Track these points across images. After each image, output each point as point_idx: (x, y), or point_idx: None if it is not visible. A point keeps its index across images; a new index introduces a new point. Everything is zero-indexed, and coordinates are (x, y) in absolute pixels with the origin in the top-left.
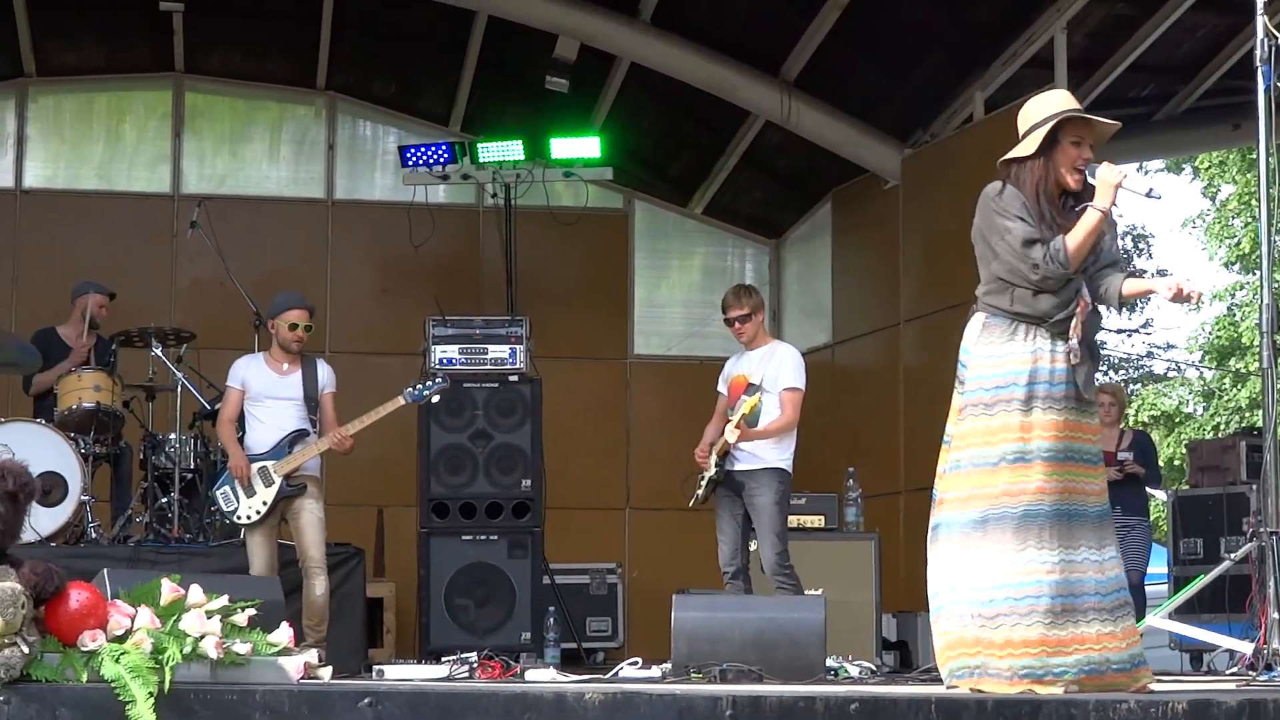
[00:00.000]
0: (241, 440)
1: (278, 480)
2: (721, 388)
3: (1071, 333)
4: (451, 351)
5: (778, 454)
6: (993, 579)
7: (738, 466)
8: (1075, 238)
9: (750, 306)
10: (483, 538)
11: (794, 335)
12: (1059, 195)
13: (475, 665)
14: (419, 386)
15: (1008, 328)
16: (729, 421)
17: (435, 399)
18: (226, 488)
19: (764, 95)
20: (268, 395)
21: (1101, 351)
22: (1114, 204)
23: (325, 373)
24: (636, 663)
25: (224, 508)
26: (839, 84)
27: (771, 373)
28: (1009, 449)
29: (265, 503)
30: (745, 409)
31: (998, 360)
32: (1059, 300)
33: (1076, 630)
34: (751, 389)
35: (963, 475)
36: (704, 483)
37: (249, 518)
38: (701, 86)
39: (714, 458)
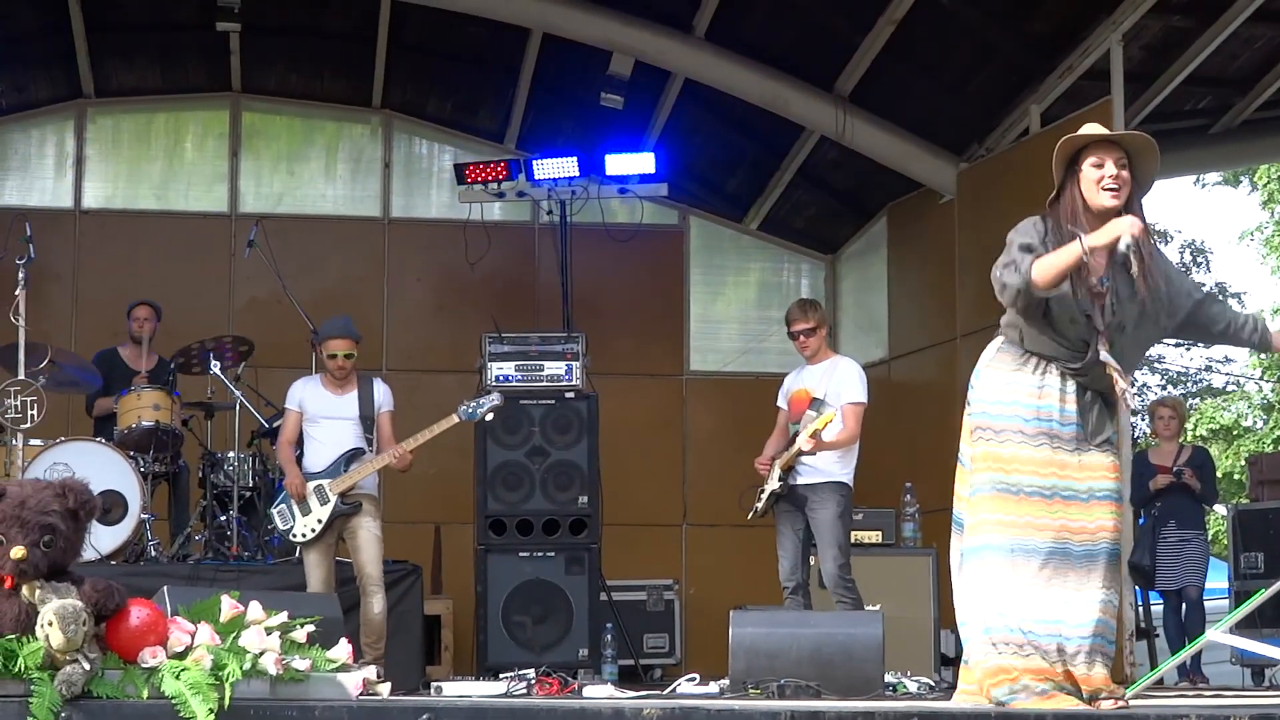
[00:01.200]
0: (301, 460)
1: (333, 498)
2: (781, 403)
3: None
4: (508, 368)
5: (840, 467)
6: (1020, 609)
7: (800, 480)
8: (1047, 257)
9: (816, 320)
10: (540, 554)
11: (850, 350)
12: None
13: (533, 682)
14: (473, 404)
15: (1022, 359)
16: (791, 436)
17: (490, 416)
18: (283, 506)
19: (818, 110)
20: (324, 416)
21: (1138, 377)
22: (1103, 248)
23: (382, 392)
24: (694, 679)
25: (280, 526)
26: (893, 99)
27: (835, 387)
28: (1027, 481)
29: (320, 520)
30: (820, 423)
31: (1008, 388)
32: (1064, 345)
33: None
34: (816, 403)
35: (987, 499)
36: (764, 496)
37: (304, 535)
38: (756, 102)
39: (777, 471)
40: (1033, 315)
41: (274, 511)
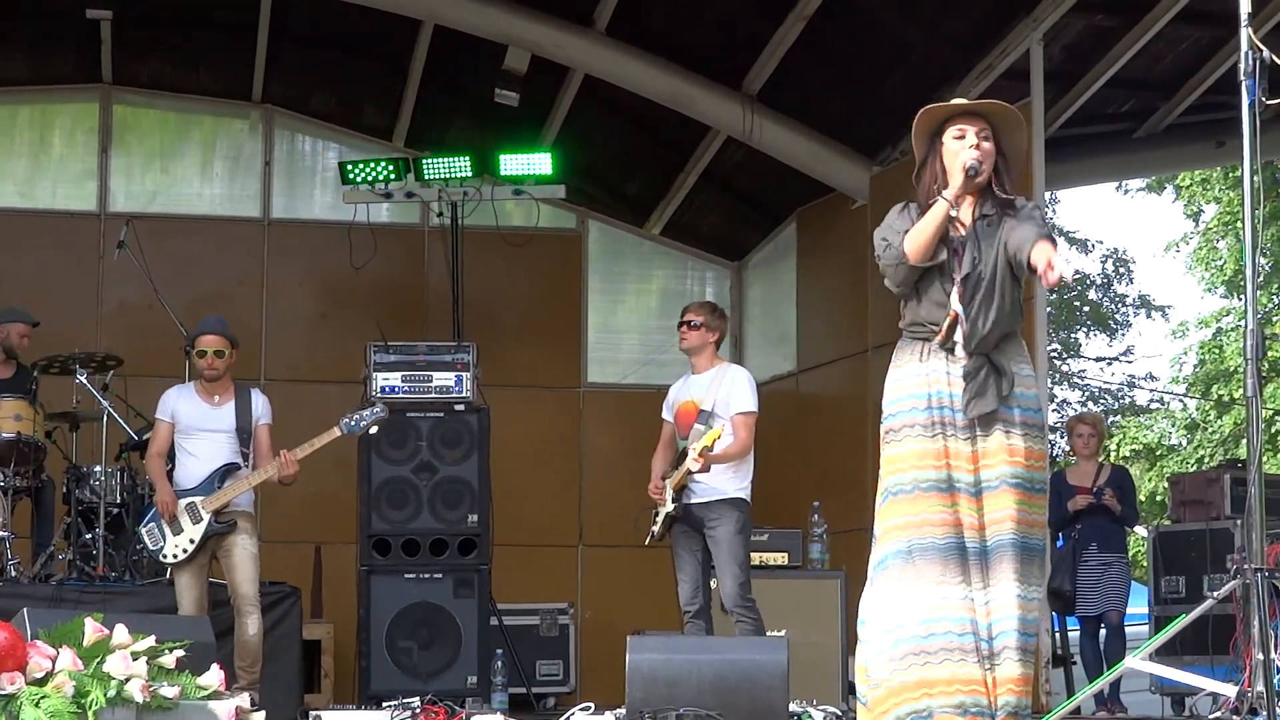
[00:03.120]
0: (170, 474)
1: (206, 517)
2: (667, 415)
3: (941, 338)
4: (394, 379)
5: (736, 483)
6: (928, 613)
7: (695, 499)
8: (914, 227)
9: (704, 317)
10: (426, 576)
11: (757, 362)
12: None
13: (418, 711)
14: (356, 416)
15: (911, 349)
16: (680, 452)
17: (374, 430)
18: (153, 525)
19: (725, 109)
20: (198, 428)
21: (1016, 374)
22: (962, 189)
23: (260, 403)
24: (589, 708)
25: (150, 545)
26: (804, 98)
27: (723, 396)
28: (922, 476)
29: (193, 540)
30: (707, 439)
31: (899, 384)
32: (924, 305)
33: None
34: (704, 415)
35: (888, 506)
36: (659, 519)
37: (175, 556)
38: (659, 100)
39: (670, 492)
40: (910, 296)
41: (143, 530)
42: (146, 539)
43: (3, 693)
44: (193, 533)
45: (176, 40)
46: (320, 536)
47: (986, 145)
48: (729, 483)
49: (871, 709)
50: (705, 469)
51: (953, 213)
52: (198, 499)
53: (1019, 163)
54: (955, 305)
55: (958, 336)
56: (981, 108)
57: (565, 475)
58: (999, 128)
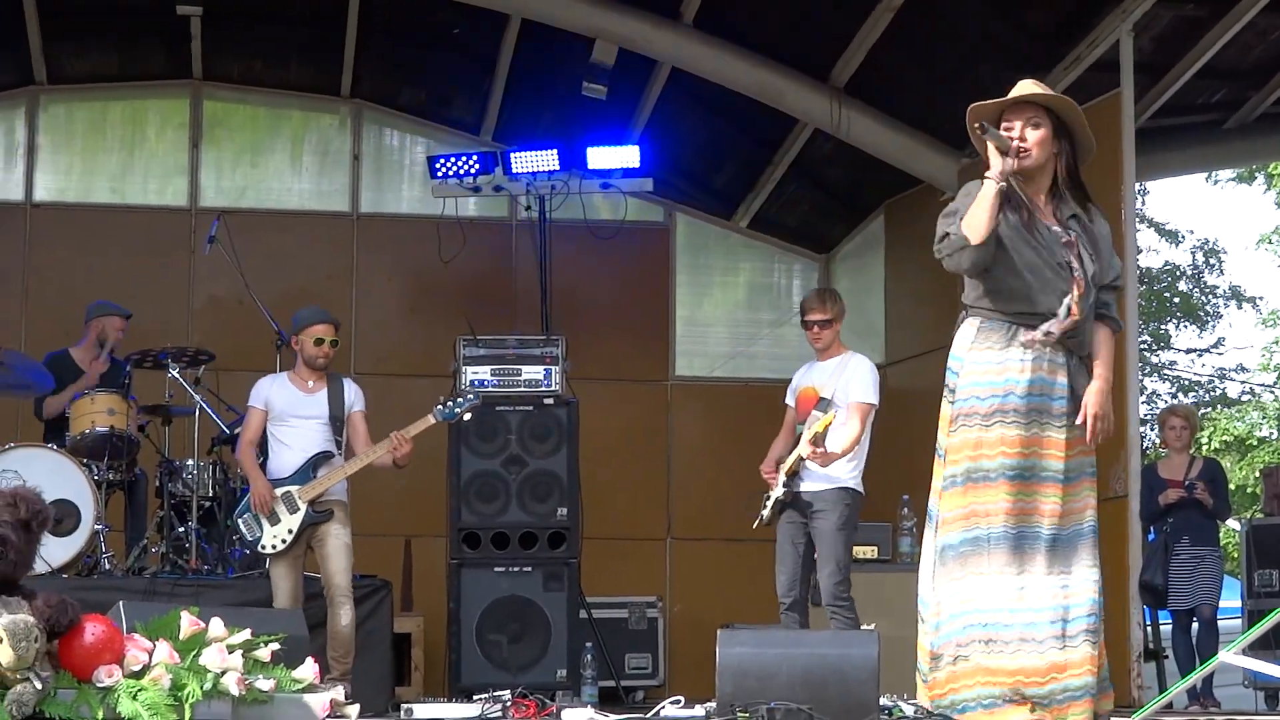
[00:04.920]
0: (263, 465)
1: (303, 506)
2: (790, 400)
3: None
4: (483, 372)
5: (848, 471)
6: (1008, 601)
7: (805, 486)
8: (970, 210)
9: (833, 312)
10: (516, 569)
11: None
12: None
13: (509, 704)
14: (450, 404)
15: (1006, 333)
16: (797, 436)
17: (467, 416)
18: (248, 515)
19: (813, 102)
20: (292, 415)
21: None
22: (1003, 171)
23: (352, 390)
24: (678, 701)
25: (246, 537)
26: (892, 90)
27: (843, 385)
28: (1009, 463)
29: (291, 530)
30: (819, 426)
31: (988, 367)
32: (1035, 292)
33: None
34: (823, 403)
35: (959, 491)
36: (770, 504)
37: (274, 547)
38: (747, 93)
39: (782, 476)
40: (990, 278)
41: (239, 521)
42: (243, 530)
43: (100, 685)
44: (290, 523)
45: (266, 36)
46: (410, 530)
47: (1033, 133)
48: (840, 468)
49: (932, 689)
50: (814, 457)
51: (999, 182)
52: (294, 488)
53: (1089, 148)
54: (1074, 304)
55: (1053, 328)
56: (1029, 96)
57: (653, 468)
58: (1061, 115)
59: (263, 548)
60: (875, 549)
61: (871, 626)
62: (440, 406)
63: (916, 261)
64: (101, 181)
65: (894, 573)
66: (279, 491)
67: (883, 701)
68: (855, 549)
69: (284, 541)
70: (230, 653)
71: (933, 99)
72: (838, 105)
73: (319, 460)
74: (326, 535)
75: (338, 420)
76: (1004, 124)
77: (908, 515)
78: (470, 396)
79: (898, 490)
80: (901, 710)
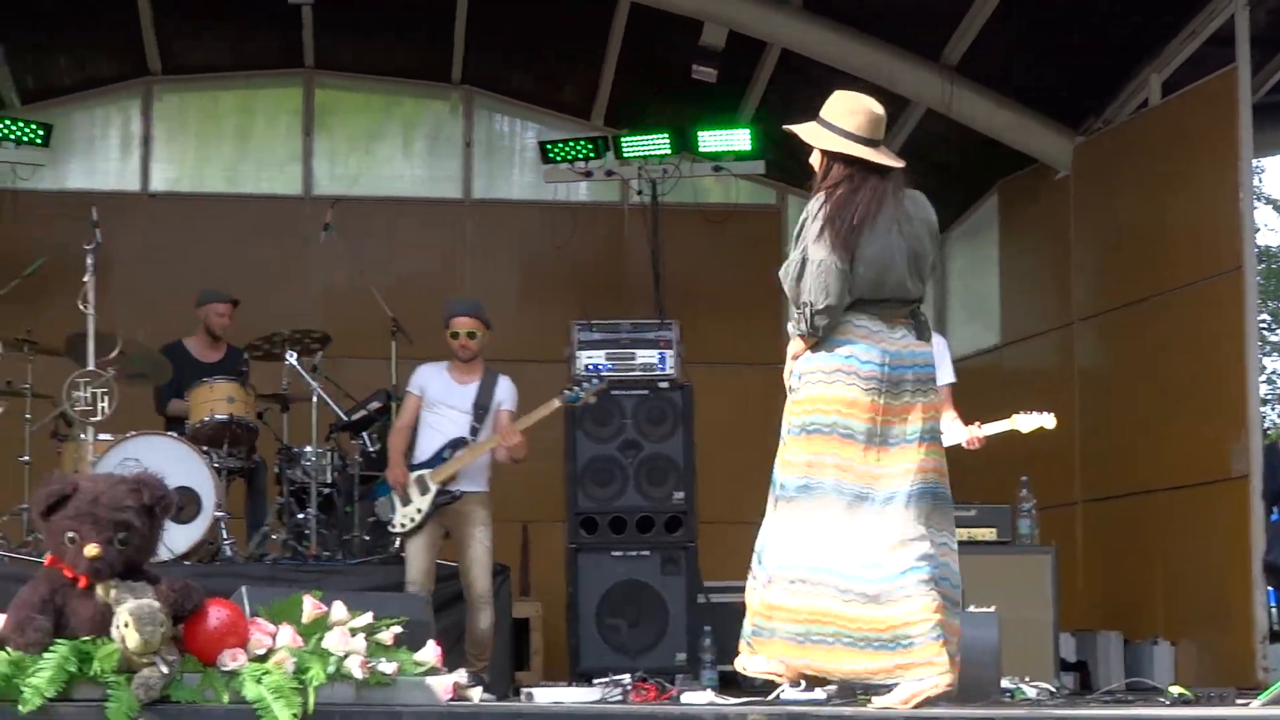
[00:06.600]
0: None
1: (433, 488)
2: None
3: None
4: (598, 357)
5: None
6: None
7: None
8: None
9: None
10: (634, 554)
11: (960, 336)
12: None
13: (629, 688)
14: (576, 388)
15: None
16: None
17: (593, 399)
18: (384, 498)
19: (924, 82)
20: (442, 402)
21: None
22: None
23: (505, 387)
24: (799, 685)
25: (381, 517)
26: (1003, 69)
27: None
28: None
29: (420, 510)
30: (1028, 428)
31: None
32: None
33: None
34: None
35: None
36: None
37: (403, 526)
38: (857, 73)
39: None
40: None
41: (375, 503)
42: (379, 511)
43: (225, 669)
44: (420, 503)
45: (377, 23)
46: (527, 515)
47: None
48: None
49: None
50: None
51: None
52: (426, 472)
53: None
54: None
55: None
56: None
57: (768, 452)
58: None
59: (394, 526)
60: (994, 530)
61: (991, 609)
62: (566, 390)
63: (1031, 241)
64: (215, 170)
65: (1013, 554)
66: (413, 475)
67: (1003, 684)
68: (974, 531)
69: (413, 520)
70: (353, 636)
71: (1046, 77)
72: (949, 84)
73: (454, 445)
74: (470, 539)
75: (482, 410)
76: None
77: (1026, 496)
78: (595, 381)
79: (1015, 471)
80: (1023, 692)
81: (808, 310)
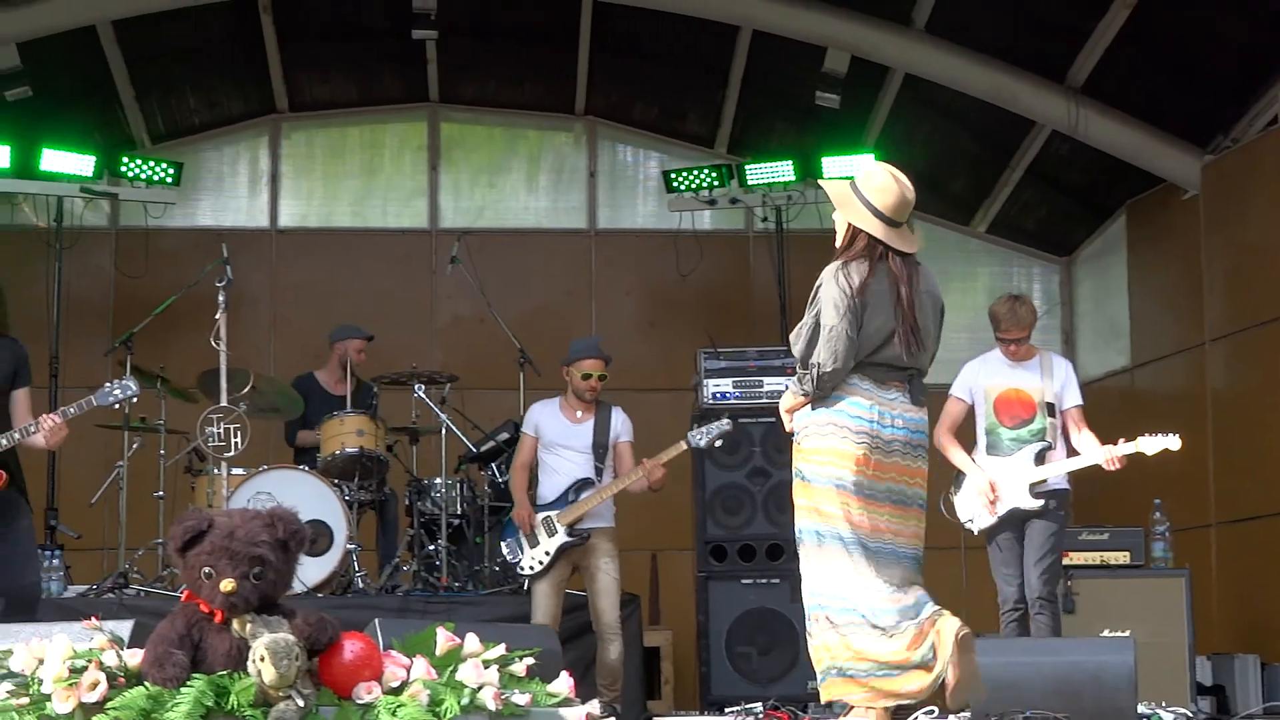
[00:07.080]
0: (534, 486)
1: (560, 530)
2: (968, 397)
3: None
4: (725, 385)
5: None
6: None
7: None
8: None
9: (1030, 324)
10: (763, 581)
11: (1090, 359)
12: None
13: (761, 716)
14: (703, 430)
15: None
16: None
17: (719, 443)
18: (512, 539)
19: (1049, 103)
20: (559, 444)
21: None
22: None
23: (620, 420)
24: (933, 712)
25: (509, 558)
26: (1130, 89)
27: (1057, 389)
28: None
29: (548, 553)
30: (1151, 449)
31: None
32: None
33: None
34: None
35: None
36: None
37: (531, 569)
38: (981, 97)
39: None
40: None
41: (502, 543)
42: (505, 552)
43: (360, 702)
44: (548, 545)
45: (499, 56)
46: (656, 544)
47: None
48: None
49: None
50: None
51: None
52: (553, 513)
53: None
54: None
55: None
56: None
57: None
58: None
59: (522, 569)
60: (1128, 554)
61: (1126, 633)
62: (693, 433)
63: (1160, 262)
64: (343, 206)
65: (1147, 578)
66: (540, 516)
67: (1140, 709)
68: (1107, 555)
69: (540, 563)
70: (486, 667)
71: (1173, 96)
72: (1074, 105)
73: (580, 486)
74: (597, 571)
75: (601, 448)
76: None
77: (1159, 519)
78: (723, 423)
79: (1148, 494)
80: (1160, 717)
81: (815, 371)
